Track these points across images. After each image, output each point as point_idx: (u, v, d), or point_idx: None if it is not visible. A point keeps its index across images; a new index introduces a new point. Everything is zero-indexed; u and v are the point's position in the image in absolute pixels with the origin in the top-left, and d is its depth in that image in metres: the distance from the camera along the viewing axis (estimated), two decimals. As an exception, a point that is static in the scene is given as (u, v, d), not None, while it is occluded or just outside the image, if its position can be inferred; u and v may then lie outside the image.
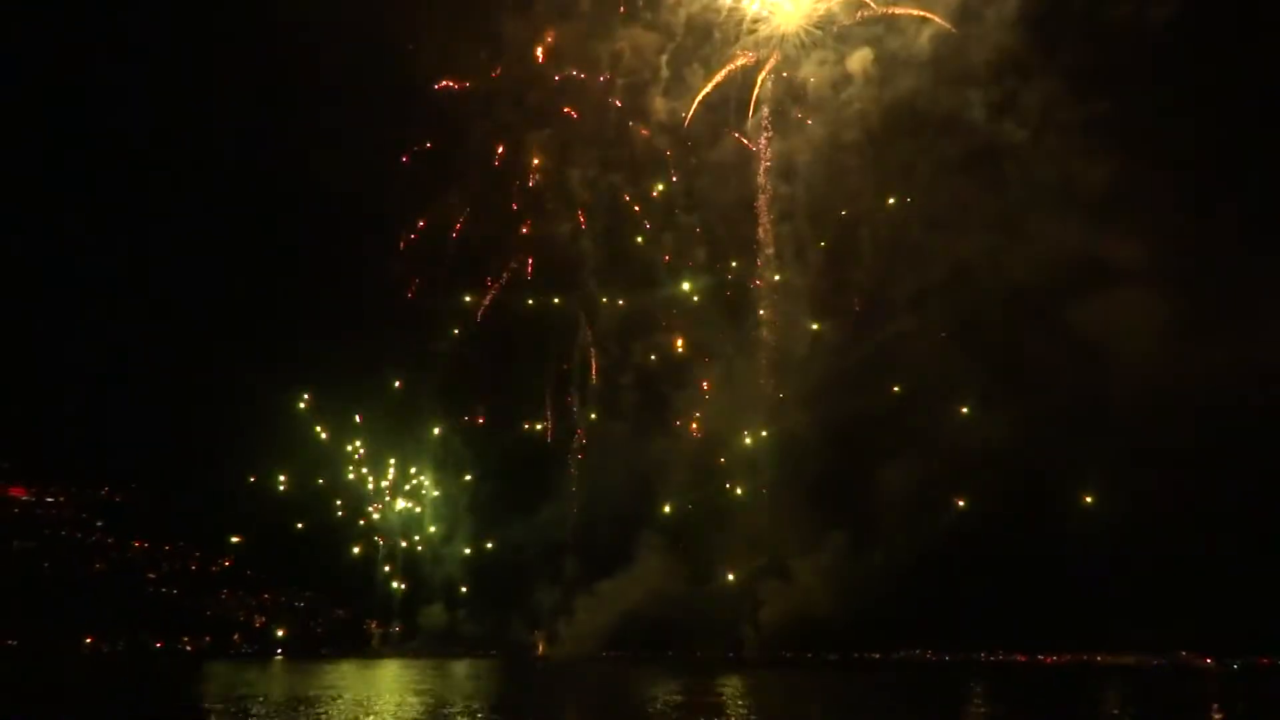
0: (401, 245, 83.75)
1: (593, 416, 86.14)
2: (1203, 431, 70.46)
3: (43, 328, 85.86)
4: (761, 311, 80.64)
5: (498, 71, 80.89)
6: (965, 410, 78.04)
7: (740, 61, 73.59)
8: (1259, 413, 69.61)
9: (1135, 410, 71.60)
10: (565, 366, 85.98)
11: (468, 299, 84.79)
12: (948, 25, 68.70)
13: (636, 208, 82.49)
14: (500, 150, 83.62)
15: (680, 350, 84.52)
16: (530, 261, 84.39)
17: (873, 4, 69.92)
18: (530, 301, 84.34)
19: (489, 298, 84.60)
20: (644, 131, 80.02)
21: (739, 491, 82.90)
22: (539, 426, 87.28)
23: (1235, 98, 70.13)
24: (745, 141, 77.11)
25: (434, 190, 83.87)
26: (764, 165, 77.08)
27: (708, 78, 74.09)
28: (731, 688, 59.20)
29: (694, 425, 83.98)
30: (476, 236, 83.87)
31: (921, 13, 69.63)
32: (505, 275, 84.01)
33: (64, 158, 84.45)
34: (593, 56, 79.07)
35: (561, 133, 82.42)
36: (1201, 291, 71.49)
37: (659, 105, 77.67)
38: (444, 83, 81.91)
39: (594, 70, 79.91)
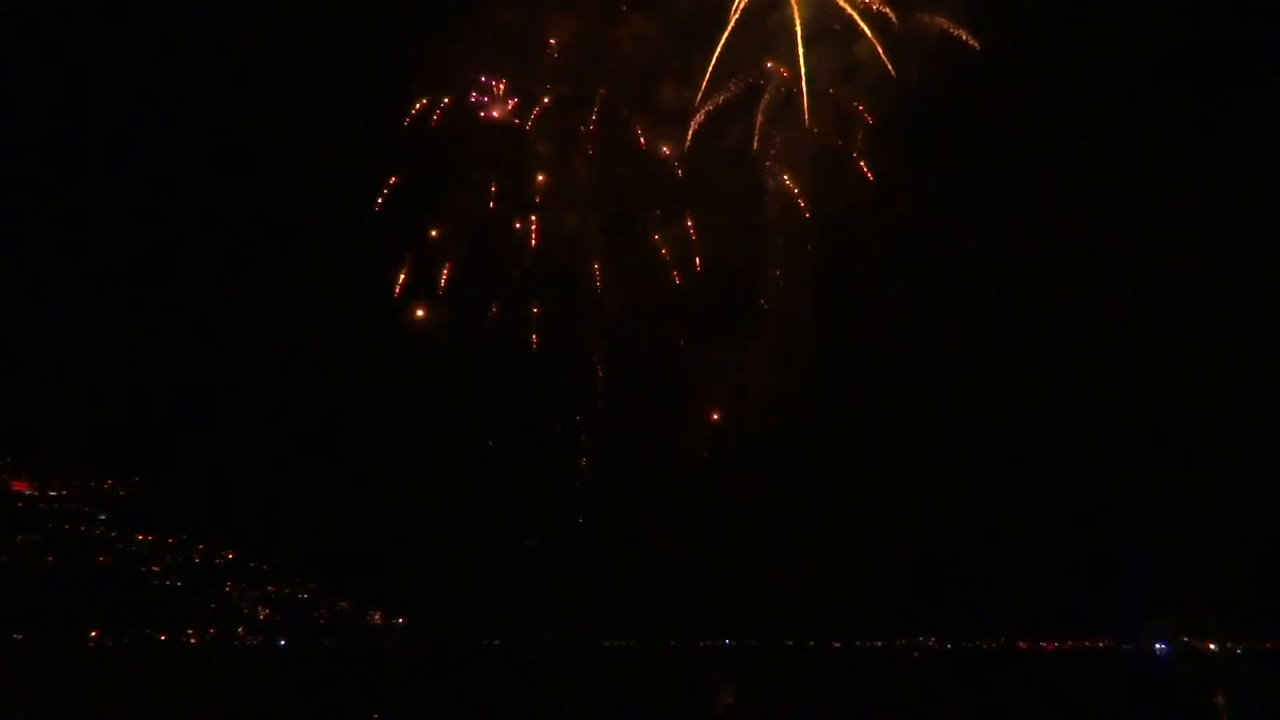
0: (403, 273, 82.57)
1: (600, 410, 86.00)
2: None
3: (42, 320, 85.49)
4: (767, 303, 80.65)
5: (501, 84, 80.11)
6: (972, 397, 78.46)
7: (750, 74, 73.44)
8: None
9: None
10: (572, 362, 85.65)
11: (472, 304, 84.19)
12: (960, 31, 68.52)
13: (644, 203, 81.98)
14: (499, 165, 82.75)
15: (686, 343, 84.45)
16: (534, 260, 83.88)
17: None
18: (535, 303, 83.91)
19: (495, 306, 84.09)
20: (642, 141, 79.48)
21: (746, 481, 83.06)
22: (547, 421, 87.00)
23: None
24: (754, 133, 76.67)
25: (436, 195, 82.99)
26: (771, 155, 76.84)
27: (716, 68, 73.53)
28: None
29: (700, 416, 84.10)
30: (480, 240, 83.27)
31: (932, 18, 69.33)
32: (511, 280, 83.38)
33: (58, 157, 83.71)
34: (597, 49, 78.43)
35: (566, 127, 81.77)
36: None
37: (665, 95, 77.18)
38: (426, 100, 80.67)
39: (599, 62, 79.30)
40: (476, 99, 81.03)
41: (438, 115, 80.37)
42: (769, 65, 74.29)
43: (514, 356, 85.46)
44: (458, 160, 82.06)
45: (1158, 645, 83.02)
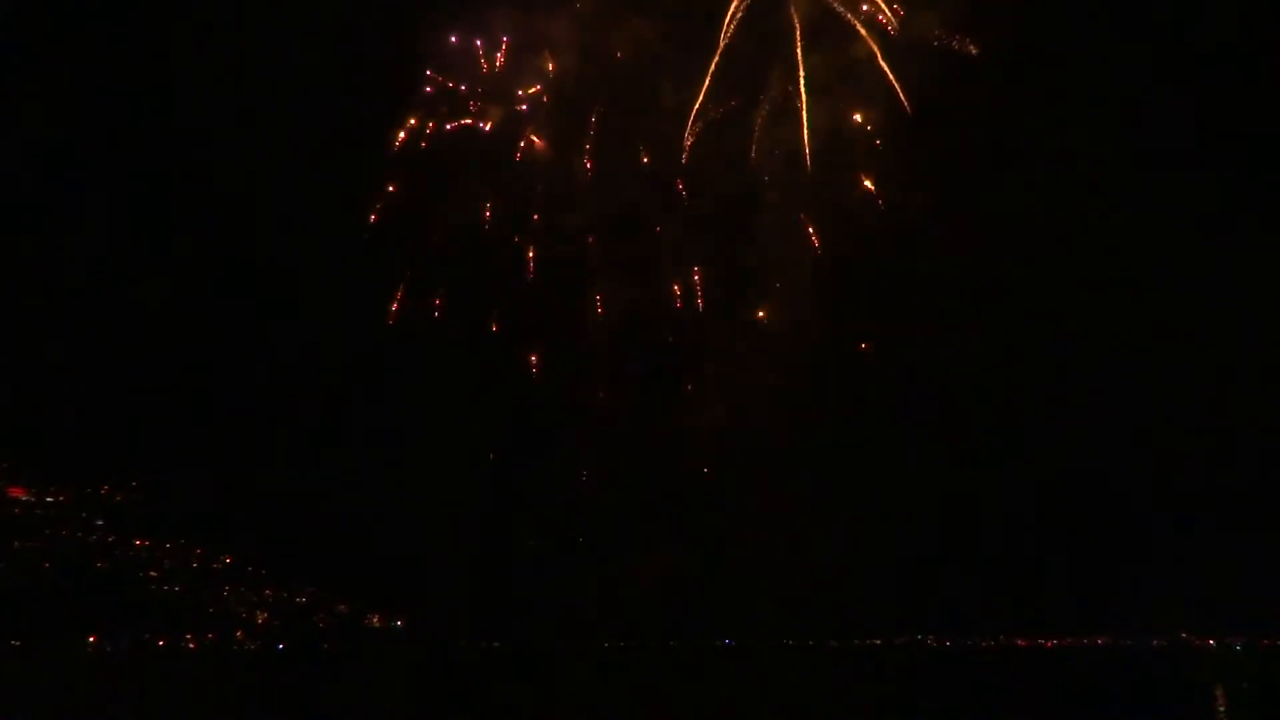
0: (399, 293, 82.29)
1: (600, 404, 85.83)
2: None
3: (38, 324, 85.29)
4: (768, 298, 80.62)
5: (500, 60, 79.37)
6: (971, 396, 78.52)
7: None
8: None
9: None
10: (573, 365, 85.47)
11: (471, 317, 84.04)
12: (960, 39, 68.51)
13: (644, 197, 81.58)
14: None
15: (687, 338, 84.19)
16: (533, 258, 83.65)
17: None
18: (535, 294, 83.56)
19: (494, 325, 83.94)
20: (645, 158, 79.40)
21: (745, 481, 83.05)
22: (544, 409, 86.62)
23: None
24: (753, 129, 76.34)
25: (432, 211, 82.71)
26: (772, 153, 76.55)
27: (716, 65, 73.18)
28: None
29: (701, 411, 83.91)
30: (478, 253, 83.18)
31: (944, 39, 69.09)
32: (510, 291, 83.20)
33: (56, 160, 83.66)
34: (596, 48, 78.09)
35: (566, 124, 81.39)
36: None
37: (665, 93, 76.79)
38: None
39: (598, 62, 78.95)
40: (470, 104, 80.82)
41: (431, 129, 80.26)
42: (768, 72, 74.12)
43: (514, 362, 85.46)
44: (453, 175, 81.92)
45: (1156, 642, 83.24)
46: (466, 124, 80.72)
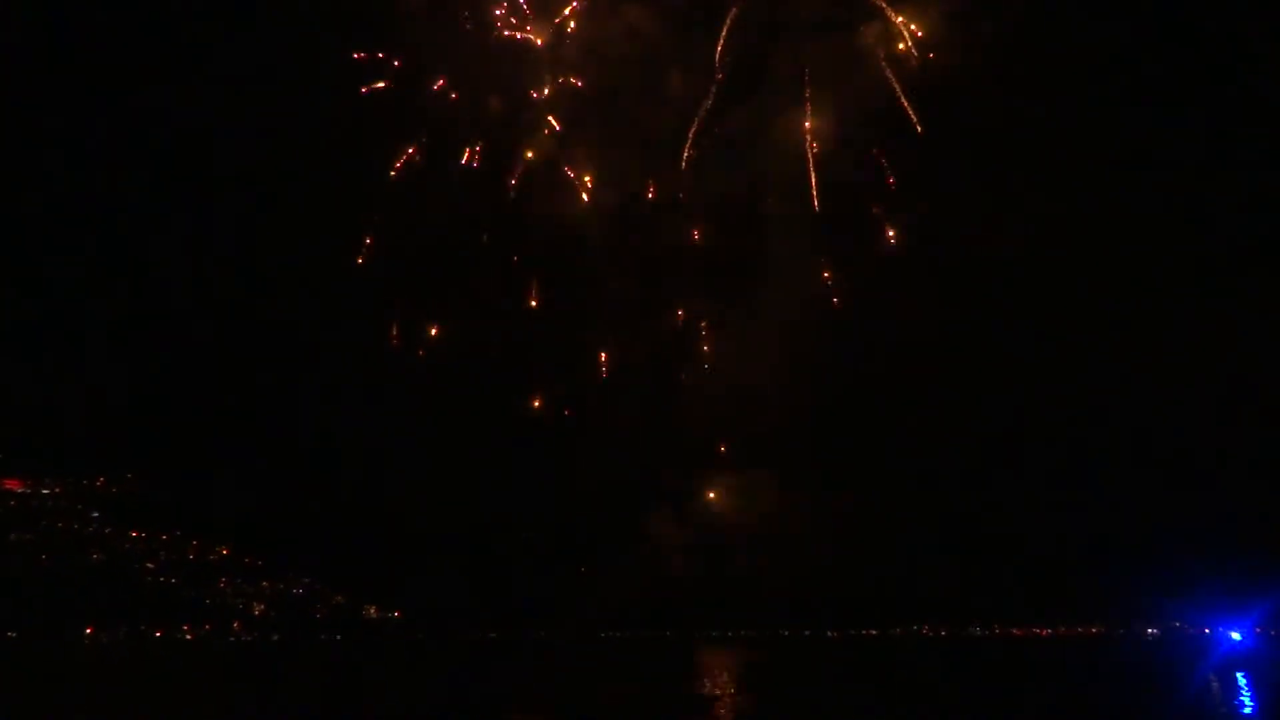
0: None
1: (599, 391, 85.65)
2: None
3: (34, 320, 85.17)
4: (771, 286, 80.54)
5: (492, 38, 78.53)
6: (970, 389, 78.72)
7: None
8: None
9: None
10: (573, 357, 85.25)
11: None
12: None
13: (648, 188, 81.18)
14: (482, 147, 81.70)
15: (688, 326, 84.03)
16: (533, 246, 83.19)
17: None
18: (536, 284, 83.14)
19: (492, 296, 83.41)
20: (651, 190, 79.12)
21: (743, 470, 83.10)
22: (542, 403, 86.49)
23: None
24: (753, 117, 75.94)
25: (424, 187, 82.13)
26: (774, 139, 76.25)
27: (721, 55, 72.78)
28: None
29: (701, 400, 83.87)
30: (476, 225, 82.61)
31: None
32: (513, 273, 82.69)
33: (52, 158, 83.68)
34: (600, 37, 77.57)
35: (568, 114, 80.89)
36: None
37: (671, 83, 76.31)
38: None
39: (601, 52, 78.41)
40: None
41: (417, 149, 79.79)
42: (771, 63, 73.73)
43: (513, 357, 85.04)
44: (450, 196, 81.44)
45: (1150, 630, 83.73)
46: (463, 143, 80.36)
